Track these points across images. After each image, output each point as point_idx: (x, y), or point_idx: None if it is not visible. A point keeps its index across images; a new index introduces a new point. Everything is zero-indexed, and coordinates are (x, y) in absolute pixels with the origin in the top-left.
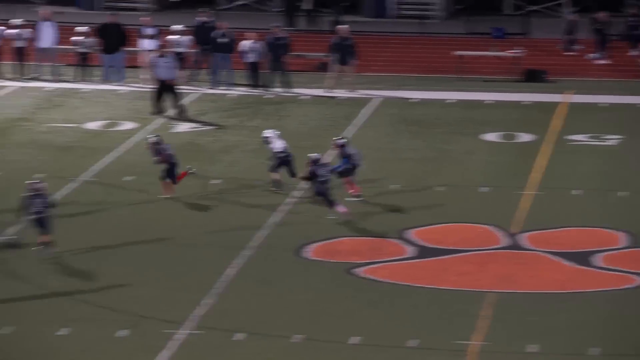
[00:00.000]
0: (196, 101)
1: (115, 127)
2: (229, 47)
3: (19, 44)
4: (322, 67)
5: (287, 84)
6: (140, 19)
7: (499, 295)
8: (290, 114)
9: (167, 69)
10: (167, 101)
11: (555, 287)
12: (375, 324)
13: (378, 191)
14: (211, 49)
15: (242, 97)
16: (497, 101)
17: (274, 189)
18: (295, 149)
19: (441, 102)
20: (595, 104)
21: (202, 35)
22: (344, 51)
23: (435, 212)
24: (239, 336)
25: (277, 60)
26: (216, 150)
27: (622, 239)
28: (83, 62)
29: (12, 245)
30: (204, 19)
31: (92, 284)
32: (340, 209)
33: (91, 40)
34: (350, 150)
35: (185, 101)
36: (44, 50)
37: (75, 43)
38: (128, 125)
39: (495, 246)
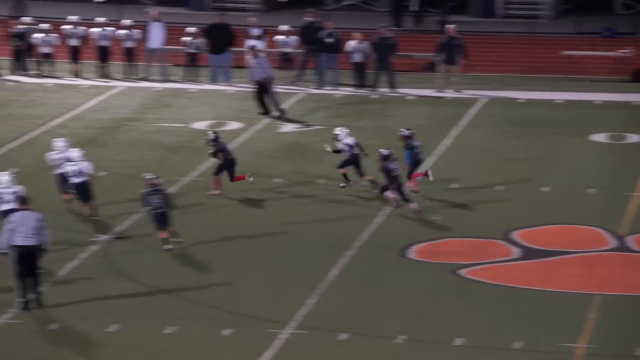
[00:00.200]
0: (302, 101)
1: (222, 127)
2: (335, 47)
3: (128, 44)
4: (429, 67)
5: (392, 84)
6: (248, 19)
7: (606, 298)
8: (395, 114)
9: (261, 70)
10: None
11: None
12: (480, 325)
13: (483, 192)
14: (317, 49)
15: (348, 97)
16: (605, 101)
17: (343, 185)
18: (401, 150)
19: (549, 103)
20: None
21: (308, 35)
22: (451, 51)
23: (542, 213)
24: (343, 336)
25: (383, 60)
26: (321, 150)
27: None
28: (191, 63)
29: (119, 238)
30: (311, 19)
31: (197, 283)
32: (413, 205)
33: (199, 40)
34: (415, 142)
35: (290, 101)
36: (152, 50)
37: (184, 43)
38: (234, 125)
39: (603, 248)
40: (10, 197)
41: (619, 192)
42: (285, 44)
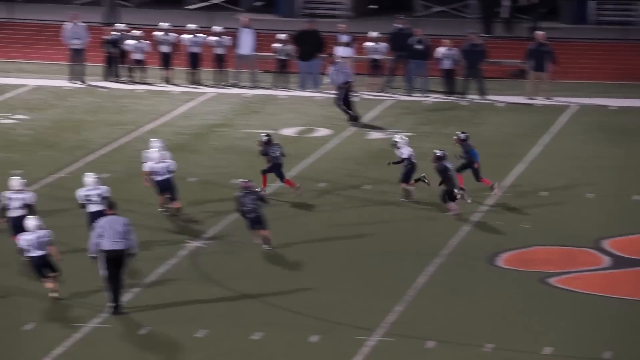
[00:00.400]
0: (390, 108)
1: (311, 134)
2: (425, 54)
3: (218, 51)
4: (519, 74)
5: (482, 91)
6: (337, 26)
7: None
8: (485, 121)
9: (341, 75)
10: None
11: None
12: (569, 334)
13: (573, 199)
14: (407, 56)
15: (437, 104)
16: None
17: (402, 199)
18: (489, 156)
19: None
20: None
21: (398, 41)
22: (541, 58)
23: (633, 222)
24: (430, 344)
25: (472, 67)
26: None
27: None
28: (281, 69)
29: (208, 243)
30: (401, 25)
31: (284, 288)
32: (452, 206)
33: (289, 47)
34: (470, 145)
35: (379, 108)
36: (243, 57)
37: (274, 50)
38: (323, 132)
39: None
40: (97, 198)
41: None
42: (374, 50)
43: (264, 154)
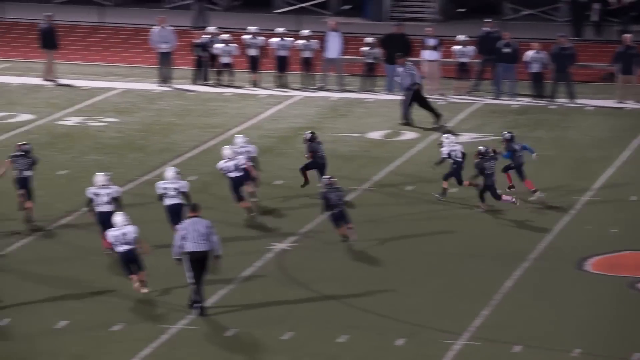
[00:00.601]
0: (478, 111)
1: (397, 137)
2: (513, 58)
3: (306, 54)
4: (609, 78)
5: (571, 95)
6: (425, 29)
7: None
8: (574, 125)
9: (407, 77)
10: (425, 107)
11: None
12: None
13: None
14: (495, 59)
15: (525, 108)
16: None
17: (437, 196)
18: (579, 160)
19: None
20: None
21: (486, 45)
22: (629, 61)
23: None
24: (517, 348)
25: (561, 70)
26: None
27: None
28: (369, 73)
29: (291, 246)
30: (489, 29)
31: (369, 291)
32: (505, 198)
33: (377, 50)
34: (516, 145)
35: (467, 111)
36: (330, 60)
37: (362, 53)
38: (409, 135)
39: None
40: (174, 192)
41: None
42: (462, 54)
43: (312, 150)
